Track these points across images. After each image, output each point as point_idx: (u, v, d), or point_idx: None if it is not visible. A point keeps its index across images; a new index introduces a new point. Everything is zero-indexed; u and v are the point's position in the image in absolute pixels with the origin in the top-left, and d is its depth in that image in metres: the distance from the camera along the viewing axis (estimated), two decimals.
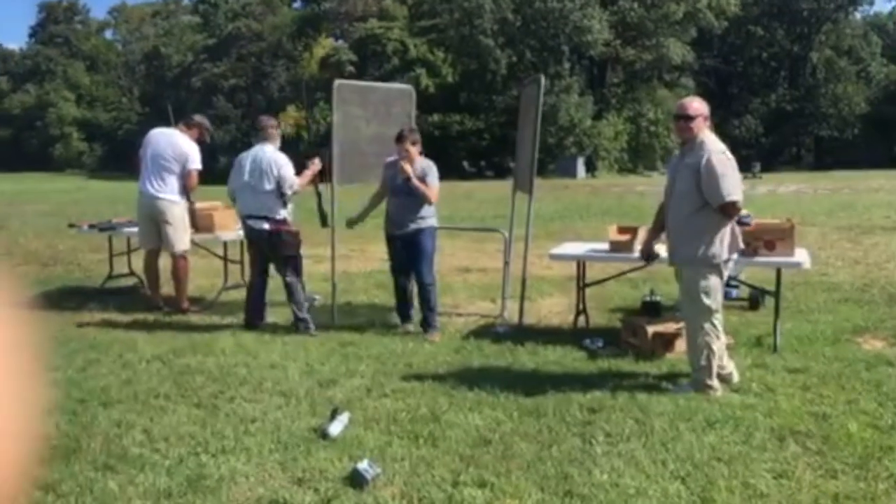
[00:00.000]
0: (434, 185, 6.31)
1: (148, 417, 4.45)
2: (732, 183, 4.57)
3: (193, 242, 7.68)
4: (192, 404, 4.67)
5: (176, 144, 7.18)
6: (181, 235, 7.25)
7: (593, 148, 45.68)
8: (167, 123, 7.71)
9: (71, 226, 9.04)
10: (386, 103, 7.59)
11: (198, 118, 7.60)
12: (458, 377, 5.10)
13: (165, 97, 52.62)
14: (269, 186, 6.45)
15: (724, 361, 4.85)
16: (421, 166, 6.29)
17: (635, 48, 49.58)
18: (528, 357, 5.62)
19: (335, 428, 4.13)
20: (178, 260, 7.28)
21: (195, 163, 7.20)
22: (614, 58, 50.01)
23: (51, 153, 69.58)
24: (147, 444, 4.07)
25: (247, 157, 6.57)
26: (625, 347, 5.68)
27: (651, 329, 5.52)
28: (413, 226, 6.27)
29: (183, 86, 57.52)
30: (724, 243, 4.64)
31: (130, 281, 8.48)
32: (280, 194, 6.47)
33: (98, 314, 7.22)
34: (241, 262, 7.84)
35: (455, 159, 44.22)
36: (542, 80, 6.53)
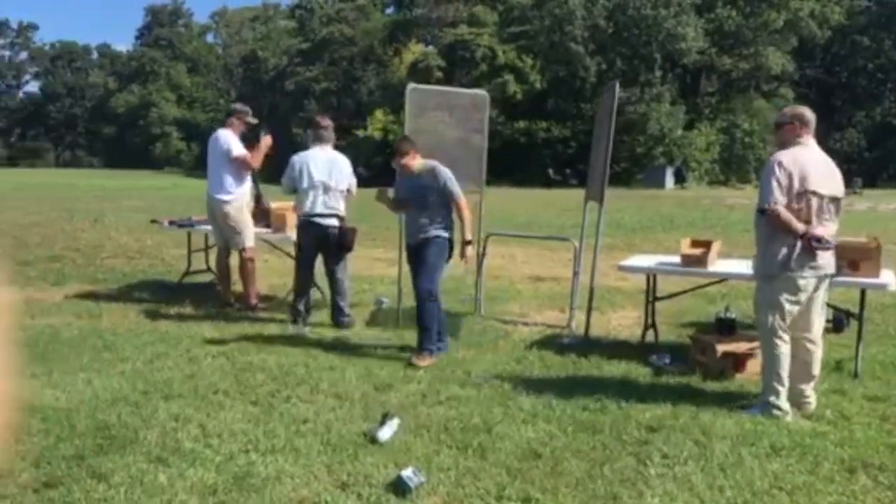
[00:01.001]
0: (457, 191, 5.78)
1: (205, 413, 4.52)
2: (765, 191, 4.43)
3: (267, 241, 7.82)
4: (249, 402, 4.72)
5: (218, 142, 7.32)
6: (240, 233, 7.33)
7: (683, 158, 44.62)
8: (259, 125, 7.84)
9: (153, 221, 9.35)
10: (460, 108, 7.54)
11: (234, 106, 7.76)
12: (515, 387, 5.00)
13: (261, 99, 54.20)
14: (342, 186, 6.68)
15: (807, 389, 4.63)
16: (436, 174, 5.74)
17: (732, 57, 48.24)
18: (590, 370, 5.48)
19: (384, 433, 4.10)
20: (243, 257, 7.40)
21: (234, 150, 7.23)
22: (709, 66, 48.79)
23: (151, 151, 72.49)
24: (201, 439, 4.13)
25: (315, 158, 6.65)
26: (693, 365, 5.46)
27: (721, 347, 5.30)
28: (421, 235, 5.80)
29: (277, 88, 59.08)
30: (779, 256, 4.44)
31: (207, 277, 8.69)
32: (346, 193, 6.78)
33: (172, 308, 7.42)
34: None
35: (540, 166, 43.99)
36: (617, 87, 6.35)
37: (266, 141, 7.23)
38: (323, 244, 6.70)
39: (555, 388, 4.97)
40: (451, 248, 5.81)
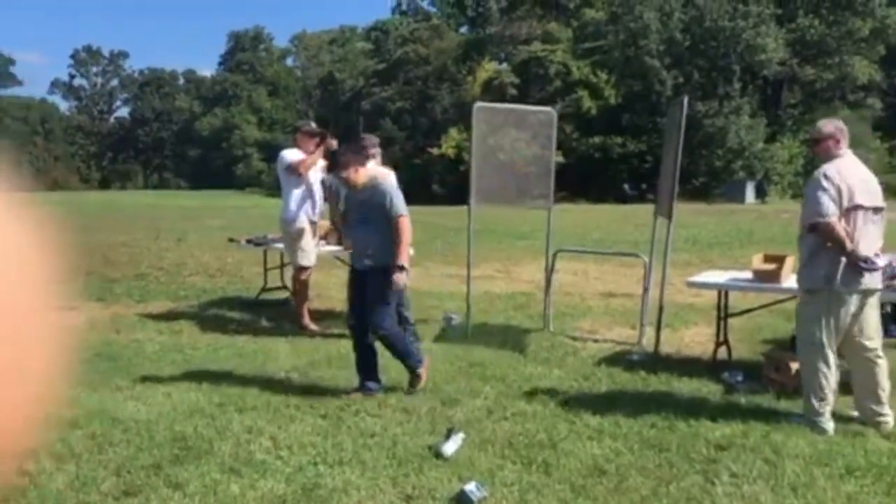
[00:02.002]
0: (398, 208, 5.13)
1: (277, 425, 4.65)
2: (815, 205, 4.34)
3: (339, 259, 7.99)
4: (319, 415, 4.83)
5: (281, 161, 7.45)
6: (296, 252, 7.42)
7: (764, 172, 43.42)
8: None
9: (231, 240, 9.66)
10: (528, 125, 7.58)
11: (297, 124, 7.94)
12: (582, 404, 4.98)
13: (338, 120, 55.31)
14: None
15: (879, 406, 4.50)
16: (377, 189, 5.22)
17: (815, 67, 46.78)
18: (659, 387, 5.41)
19: (449, 447, 4.14)
20: (295, 275, 7.54)
21: (287, 158, 7.32)
22: (791, 77, 47.43)
23: (234, 172, 74.67)
24: (272, 450, 4.26)
25: None
26: (766, 383, 5.34)
27: (794, 365, 5.16)
28: (366, 261, 5.22)
29: (354, 109, 60.21)
30: (823, 271, 4.37)
31: (283, 294, 8.92)
32: None
33: (249, 324, 7.65)
34: None
35: (616, 182, 43.48)
36: (686, 101, 6.29)
37: (328, 145, 7.09)
38: None
39: (622, 405, 4.93)
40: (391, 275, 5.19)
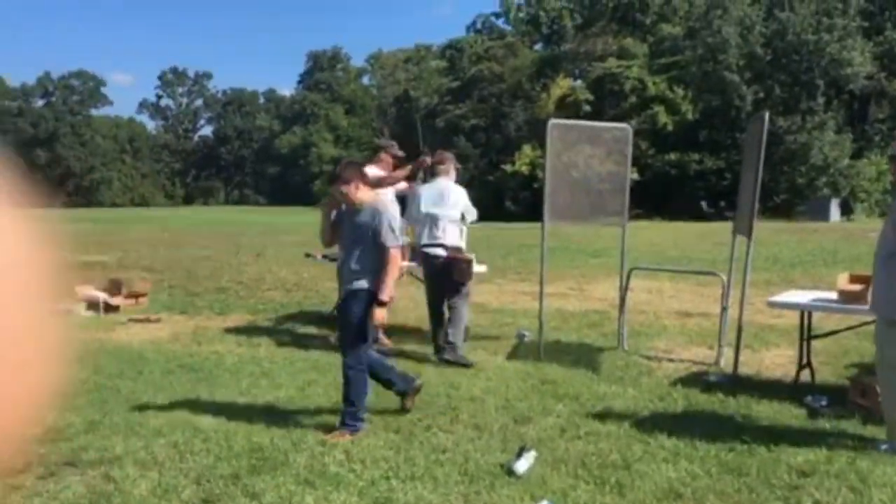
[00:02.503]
0: (390, 237, 4.80)
1: (350, 440, 4.71)
2: None
3: (413, 274, 8.07)
4: (392, 430, 4.87)
5: None
6: None
7: (850, 189, 41.93)
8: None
9: (307, 255, 9.86)
10: (603, 142, 7.52)
11: (380, 142, 8.04)
12: (657, 425, 4.89)
13: (412, 137, 55.93)
14: (452, 216, 6.77)
15: None
16: (375, 212, 4.87)
17: None
18: (738, 410, 5.27)
19: (521, 465, 4.12)
20: None
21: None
22: (878, 92, 45.77)
23: (311, 188, 76.17)
24: (346, 463, 4.31)
25: (426, 190, 6.87)
26: (852, 408, 5.14)
27: None
28: (348, 286, 4.90)
29: (428, 126, 60.76)
30: None
31: None
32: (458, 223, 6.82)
33: (324, 338, 7.77)
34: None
35: (692, 199, 42.64)
36: (766, 117, 6.14)
37: (421, 163, 7.01)
38: (436, 275, 6.85)
39: (699, 427, 4.82)
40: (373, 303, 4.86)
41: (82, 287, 10.06)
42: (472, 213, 6.99)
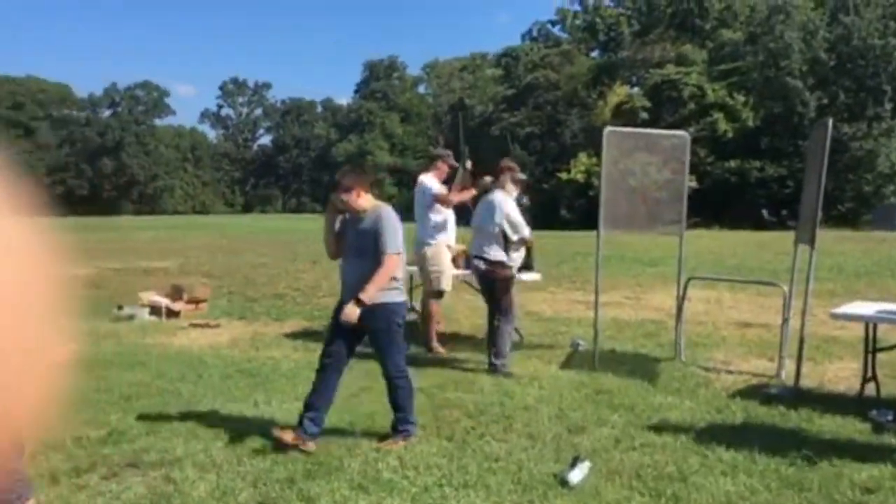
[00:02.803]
0: (389, 242, 4.65)
1: (403, 446, 4.73)
2: None
3: (467, 283, 8.09)
4: (445, 437, 4.88)
5: (421, 186, 7.64)
6: (435, 276, 7.60)
7: None
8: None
9: None
10: (661, 150, 7.44)
11: (436, 152, 8.08)
12: (715, 437, 4.80)
13: (467, 145, 56.00)
14: (491, 229, 6.71)
15: None
16: (378, 218, 4.73)
17: None
18: (799, 423, 5.14)
19: (575, 476, 4.09)
20: (428, 298, 7.67)
21: (433, 188, 7.50)
22: None
23: None
24: (399, 470, 4.33)
25: (482, 202, 6.87)
26: None
27: None
28: (353, 295, 4.72)
29: (483, 134, 60.80)
30: None
31: (411, 316, 9.08)
32: (502, 237, 6.66)
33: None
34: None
35: (753, 207, 41.78)
36: (830, 124, 5.99)
37: (484, 185, 7.07)
38: (480, 287, 6.91)
39: (758, 441, 4.71)
40: (401, 313, 4.85)
41: (146, 293, 10.34)
42: (519, 231, 6.75)
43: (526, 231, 6.78)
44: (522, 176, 7.06)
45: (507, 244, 6.67)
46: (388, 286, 4.73)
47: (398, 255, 4.70)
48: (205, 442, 4.79)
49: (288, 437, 4.62)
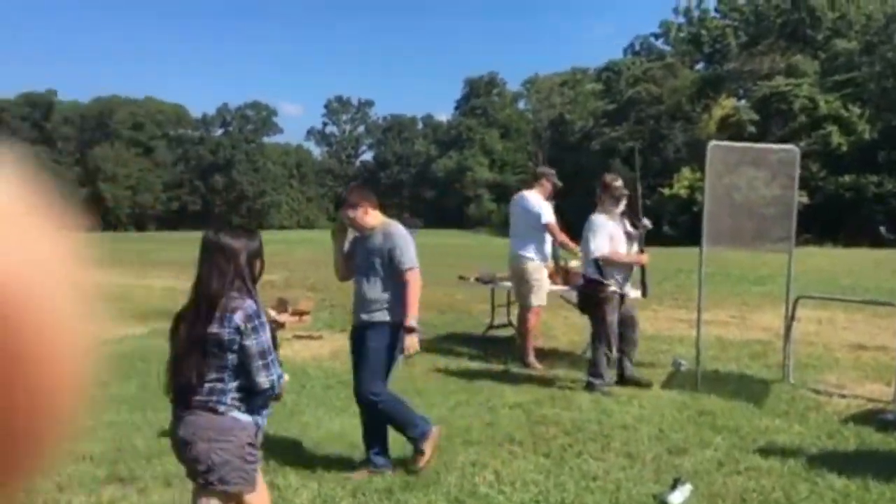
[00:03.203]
0: (406, 259, 4.49)
1: (500, 461, 4.74)
2: None
3: (564, 298, 8.04)
4: (542, 454, 4.86)
5: (526, 203, 7.63)
6: (532, 292, 7.58)
7: None
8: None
9: (461, 278, 10.01)
10: (768, 164, 7.21)
11: (541, 170, 8.04)
12: (825, 463, 4.59)
13: (566, 161, 55.65)
14: (590, 248, 6.61)
15: None
16: (388, 235, 4.57)
17: None
18: None
19: (675, 498, 4.00)
20: (526, 314, 7.63)
21: (546, 217, 7.51)
22: None
23: (465, 212, 77.42)
24: (495, 485, 4.34)
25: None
26: None
27: None
28: (364, 316, 4.61)
29: (583, 149, 60.28)
30: None
31: (509, 332, 9.08)
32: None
33: (475, 360, 7.87)
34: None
35: (870, 224, 39.75)
36: None
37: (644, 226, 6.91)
38: None
39: (872, 468, 4.48)
40: (396, 335, 4.54)
41: None
42: (593, 250, 6.55)
43: (599, 252, 6.60)
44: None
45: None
46: (388, 305, 4.53)
47: (418, 269, 4.55)
48: (307, 451, 4.93)
49: (360, 476, 4.46)
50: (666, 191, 44.27)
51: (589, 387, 6.45)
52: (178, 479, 4.42)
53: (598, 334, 6.52)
